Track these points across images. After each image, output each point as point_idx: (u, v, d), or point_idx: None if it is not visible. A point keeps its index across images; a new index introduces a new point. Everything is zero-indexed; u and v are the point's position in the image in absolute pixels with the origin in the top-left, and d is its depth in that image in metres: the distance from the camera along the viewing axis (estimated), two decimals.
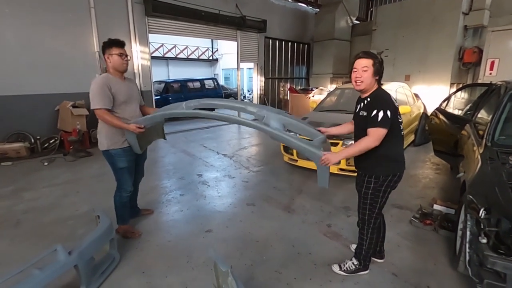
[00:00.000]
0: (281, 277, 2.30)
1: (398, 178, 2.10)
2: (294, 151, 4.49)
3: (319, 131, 2.27)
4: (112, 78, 2.54)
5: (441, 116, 4.32)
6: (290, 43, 11.96)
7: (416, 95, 6.89)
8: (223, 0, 8.96)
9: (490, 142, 2.62)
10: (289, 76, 12.34)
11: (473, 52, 8.15)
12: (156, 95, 9.44)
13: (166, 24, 7.79)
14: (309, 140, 2.20)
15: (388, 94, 2.01)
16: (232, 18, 9.02)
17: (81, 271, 2.00)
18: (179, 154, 5.98)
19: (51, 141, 6.09)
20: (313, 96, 9.27)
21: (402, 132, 2.08)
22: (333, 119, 4.44)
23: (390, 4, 12.16)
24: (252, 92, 12.35)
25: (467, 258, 2.01)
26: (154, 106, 7.97)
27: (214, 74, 22.65)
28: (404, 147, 5.75)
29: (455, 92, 5.35)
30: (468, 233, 2.02)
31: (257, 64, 10.71)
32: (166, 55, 20.05)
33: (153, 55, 14.40)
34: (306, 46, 12.64)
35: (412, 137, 6.21)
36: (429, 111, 6.00)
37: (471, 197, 2.06)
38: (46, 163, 5.19)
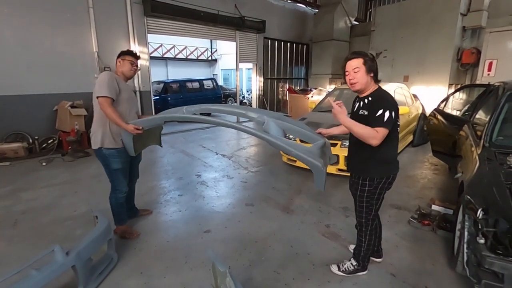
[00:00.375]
0: (280, 277, 2.30)
1: (392, 179, 2.08)
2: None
3: (319, 133, 2.25)
4: (119, 78, 2.64)
5: (439, 117, 4.33)
6: (289, 44, 11.97)
7: (415, 96, 6.91)
8: (222, 1, 8.96)
9: (488, 143, 2.63)
10: (288, 77, 12.35)
11: (471, 53, 8.19)
12: (154, 96, 9.42)
13: (165, 24, 7.79)
14: (309, 144, 2.18)
15: (390, 95, 1.99)
16: (231, 18, 9.03)
17: (78, 271, 2.00)
18: (178, 154, 5.98)
19: (49, 141, 6.07)
20: (312, 96, 9.28)
21: (398, 135, 2.06)
22: (332, 119, 4.42)
23: (389, 5, 12.22)
24: (251, 92, 12.35)
25: (465, 258, 2.02)
26: (153, 107, 7.97)
27: (213, 74, 22.64)
28: (403, 147, 5.79)
29: (453, 93, 5.36)
30: (466, 233, 2.03)
31: (256, 64, 10.71)
32: (165, 55, 20.04)
33: (152, 55, 14.39)
34: (305, 46, 12.66)
35: (410, 138, 6.23)
36: (428, 111, 6.02)
37: (469, 197, 2.06)
38: (44, 163, 5.18)
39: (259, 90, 11.12)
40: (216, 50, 22.74)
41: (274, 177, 4.57)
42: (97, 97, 2.46)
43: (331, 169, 4.11)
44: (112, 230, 2.46)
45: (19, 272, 1.76)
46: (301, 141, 3.17)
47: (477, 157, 2.52)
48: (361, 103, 2.02)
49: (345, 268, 2.32)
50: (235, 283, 1.54)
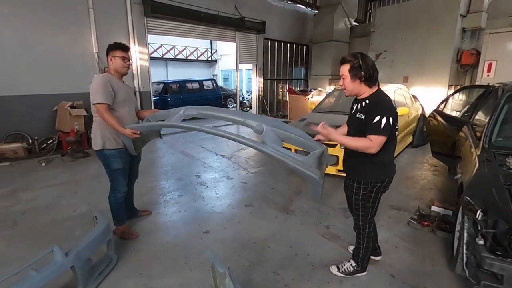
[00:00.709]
0: (279, 278, 2.30)
1: (387, 183, 2.05)
2: (293, 150, 4.49)
3: (318, 140, 2.21)
4: (113, 79, 2.59)
5: (439, 118, 4.34)
6: (289, 45, 11.98)
7: (414, 97, 6.92)
8: (222, 1, 8.97)
9: (488, 144, 2.63)
10: (288, 77, 12.36)
11: (471, 54, 8.20)
12: (154, 96, 9.43)
13: (165, 25, 7.80)
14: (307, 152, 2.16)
15: (389, 98, 1.95)
16: (231, 19, 9.04)
17: (78, 272, 1.99)
18: (177, 155, 5.98)
19: (49, 142, 6.07)
20: (311, 97, 9.28)
21: (396, 139, 2.01)
22: (332, 120, 4.43)
23: (389, 6, 12.25)
24: (251, 93, 12.35)
25: (465, 259, 2.02)
26: (152, 107, 7.97)
27: (213, 75, 22.64)
28: (402, 148, 5.79)
29: (453, 94, 5.37)
30: (465, 234, 2.03)
31: (256, 65, 10.73)
32: (165, 56, 20.04)
33: (152, 55, 14.39)
34: (305, 47, 12.67)
35: (410, 139, 6.23)
36: (427, 112, 6.02)
37: (468, 198, 2.06)
38: (44, 164, 5.17)
39: (259, 90, 11.12)
40: (216, 51, 22.75)
41: (273, 178, 4.56)
42: (93, 104, 2.46)
43: (331, 170, 4.11)
44: (112, 231, 2.46)
45: (18, 272, 1.76)
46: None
47: (476, 158, 2.52)
48: (359, 105, 2.00)
49: (344, 269, 2.32)
50: (234, 284, 1.54)
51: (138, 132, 2.51)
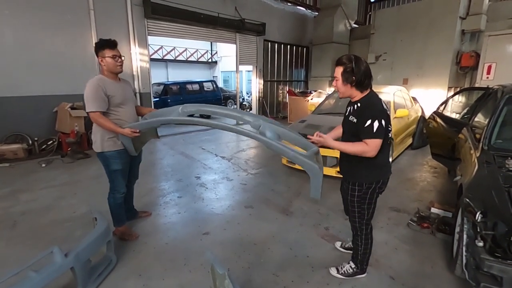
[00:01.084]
0: (279, 280, 2.30)
1: (382, 184, 2.05)
2: None
3: (313, 142, 2.22)
4: (107, 80, 2.51)
5: (438, 120, 4.34)
6: (289, 46, 12.01)
7: (414, 99, 6.93)
8: (222, 3, 9.00)
9: (487, 146, 2.64)
10: (288, 79, 12.38)
11: (470, 56, 8.23)
12: (155, 97, 9.44)
13: (165, 26, 7.82)
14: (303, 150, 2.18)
15: (380, 101, 1.94)
16: (231, 21, 9.06)
17: (77, 273, 1.99)
18: (177, 156, 5.98)
19: (49, 143, 6.07)
20: (311, 99, 9.29)
21: (389, 140, 2.00)
22: (331, 122, 4.45)
23: (389, 8, 12.27)
24: (251, 94, 12.37)
25: (464, 261, 2.01)
26: (153, 108, 7.96)
27: (213, 76, 22.68)
28: (402, 150, 5.79)
29: (452, 96, 5.38)
30: (464, 236, 2.03)
31: (256, 66, 10.74)
32: (165, 57, 20.08)
33: (152, 57, 14.41)
34: (305, 49, 12.70)
35: (410, 141, 6.24)
36: (427, 114, 6.03)
37: (467, 200, 2.07)
38: (43, 165, 5.17)
39: (259, 92, 11.14)
40: (216, 52, 22.80)
41: (273, 179, 4.57)
42: (87, 112, 2.44)
43: (331, 171, 4.12)
44: (111, 232, 2.46)
45: (17, 273, 1.76)
46: None
47: (476, 160, 2.53)
48: (351, 108, 2.02)
49: (344, 271, 2.32)
50: (234, 286, 1.54)
51: (138, 131, 2.49)
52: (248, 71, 15.74)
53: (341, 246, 2.72)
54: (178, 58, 20.83)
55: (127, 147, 2.64)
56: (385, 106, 1.95)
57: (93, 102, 2.39)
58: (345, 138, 2.10)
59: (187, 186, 4.29)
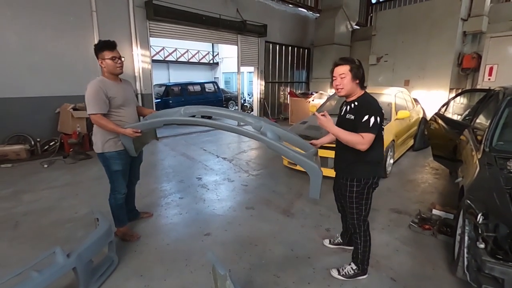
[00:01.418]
0: (280, 281, 2.30)
1: (377, 180, 2.15)
2: None
3: (311, 143, 2.36)
4: (108, 82, 2.51)
5: (440, 121, 4.34)
6: (290, 48, 12.03)
7: (416, 100, 6.92)
8: (224, 5, 9.03)
9: (488, 148, 2.64)
10: (289, 80, 12.39)
11: (472, 57, 8.21)
12: (156, 98, 9.46)
13: (167, 28, 7.85)
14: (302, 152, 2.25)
15: (375, 100, 2.05)
16: (233, 22, 9.09)
17: (79, 273, 2.00)
18: (178, 157, 5.99)
19: (51, 144, 6.09)
20: (313, 100, 9.30)
21: (382, 137, 2.12)
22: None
23: (390, 10, 12.29)
24: (252, 96, 12.38)
25: (465, 263, 2.01)
26: (154, 109, 7.98)
27: (215, 77, 22.69)
28: (404, 152, 5.78)
29: (454, 97, 5.37)
30: (466, 238, 2.03)
31: (258, 68, 10.76)
32: (167, 59, 20.11)
33: (154, 58, 14.47)
34: (306, 50, 12.71)
35: (411, 142, 6.23)
36: (428, 116, 6.02)
37: (469, 202, 2.07)
38: (46, 165, 5.19)
39: (260, 93, 11.15)
40: (217, 54, 22.84)
41: (274, 181, 4.57)
42: (88, 114, 2.46)
43: (331, 172, 4.10)
44: (113, 232, 2.47)
45: (20, 273, 1.77)
46: None
47: (477, 161, 2.52)
48: (348, 107, 2.10)
49: (345, 272, 2.32)
50: (235, 286, 1.55)
51: (139, 131, 2.50)
52: (250, 72, 15.74)
53: (330, 243, 2.75)
54: (179, 60, 20.87)
55: (128, 148, 2.65)
56: (379, 105, 2.05)
57: (94, 105, 2.40)
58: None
59: (188, 187, 4.30)
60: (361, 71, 2.01)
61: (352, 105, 2.07)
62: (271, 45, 11.09)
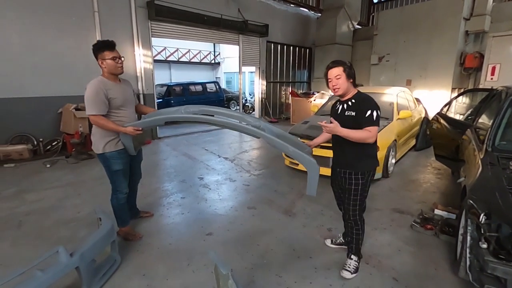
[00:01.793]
0: (281, 280, 2.31)
1: (374, 171, 2.30)
2: None
3: (307, 144, 2.48)
4: (108, 82, 2.50)
5: (442, 121, 4.33)
6: (291, 47, 12.02)
7: (418, 100, 6.90)
8: (226, 5, 9.03)
9: (491, 147, 2.63)
10: (290, 80, 12.38)
11: (474, 57, 8.18)
12: (158, 98, 9.48)
13: (169, 28, 7.86)
14: None
15: (371, 97, 2.19)
16: (234, 22, 9.09)
17: (82, 273, 2.01)
18: (180, 157, 6.00)
19: (53, 144, 6.12)
20: (314, 100, 9.30)
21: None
22: None
23: (392, 9, 12.26)
24: (253, 95, 12.39)
25: (468, 263, 2.01)
26: (156, 109, 8.00)
27: (216, 77, 22.71)
28: (405, 151, 5.77)
29: (456, 97, 5.36)
30: (468, 238, 2.02)
31: (259, 68, 10.76)
32: (168, 59, 20.13)
33: (155, 58, 14.47)
34: (307, 50, 12.70)
35: (413, 142, 6.21)
36: (431, 115, 6.01)
37: (471, 202, 2.06)
38: (48, 165, 5.22)
39: (261, 93, 11.15)
40: (219, 54, 22.84)
41: (276, 180, 4.57)
42: (87, 115, 2.45)
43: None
44: (116, 232, 2.48)
45: (23, 273, 1.78)
46: None
47: (479, 161, 2.52)
48: (345, 105, 2.22)
49: (352, 268, 2.36)
50: (237, 286, 1.55)
51: (140, 129, 2.50)
52: (251, 72, 15.75)
53: (331, 243, 2.77)
54: (181, 59, 20.89)
55: (127, 147, 2.65)
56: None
57: (94, 106, 2.40)
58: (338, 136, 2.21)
59: (190, 187, 4.31)
60: (353, 71, 2.15)
61: (350, 102, 2.19)
62: (272, 45, 11.08)
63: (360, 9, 12.84)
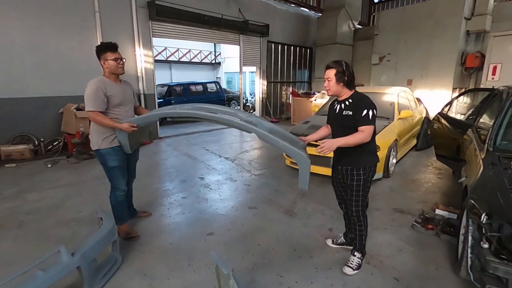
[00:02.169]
0: (283, 280, 2.31)
1: (375, 167, 2.33)
2: None
3: (301, 139, 2.49)
4: (108, 82, 2.58)
5: (443, 121, 4.32)
6: (292, 47, 12.02)
7: (418, 100, 6.89)
8: (226, 5, 9.04)
9: (492, 147, 2.62)
10: (291, 80, 12.38)
11: (475, 57, 8.17)
12: (159, 98, 9.49)
13: (169, 28, 7.86)
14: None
15: (368, 96, 2.24)
16: (235, 22, 9.09)
17: (83, 272, 2.02)
18: (181, 157, 6.01)
19: (54, 143, 6.13)
20: (315, 100, 9.29)
21: (375, 127, 2.29)
22: None
23: (392, 9, 12.24)
24: (254, 95, 12.39)
25: (469, 263, 2.01)
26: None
27: (217, 77, 22.74)
28: (406, 151, 5.77)
29: (457, 97, 5.34)
30: (470, 238, 2.02)
31: (260, 68, 10.76)
32: (169, 59, 20.17)
33: (156, 58, 14.49)
34: (308, 50, 12.70)
35: (414, 142, 6.20)
36: (431, 115, 6.00)
37: (473, 202, 2.06)
38: (49, 165, 5.23)
39: (262, 93, 11.15)
40: (219, 54, 22.86)
41: (277, 180, 4.57)
42: (86, 111, 2.52)
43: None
44: (117, 232, 2.48)
45: (25, 272, 1.79)
46: None
47: (481, 161, 2.51)
48: (343, 105, 2.27)
49: (355, 265, 2.38)
50: (239, 286, 1.56)
51: (135, 125, 2.55)
52: (252, 72, 15.76)
53: (333, 243, 2.78)
54: (182, 60, 20.93)
55: (123, 144, 2.68)
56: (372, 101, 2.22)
57: (93, 102, 2.47)
58: (341, 131, 2.26)
59: (191, 186, 4.31)
60: (345, 75, 2.17)
61: (347, 102, 2.24)
62: (273, 44, 11.08)
63: (360, 9, 12.85)
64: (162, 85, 11.27)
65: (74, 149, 5.82)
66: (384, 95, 5.47)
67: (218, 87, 12.82)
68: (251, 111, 12.55)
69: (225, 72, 23.24)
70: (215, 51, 22.83)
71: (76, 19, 6.26)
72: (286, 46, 11.71)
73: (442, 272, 2.41)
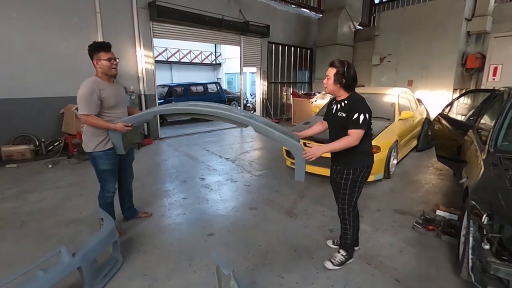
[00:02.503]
0: (283, 281, 2.31)
1: (369, 169, 2.33)
2: None
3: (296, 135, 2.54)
4: (101, 83, 2.54)
5: (444, 122, 4.32)
6: (293, 48, 12.02)
7: (419, 100, 6.89)
8: (227, 6, 9.05)
9: (493, 148, 2.62)
10: (292, 81, 12.39)
11: (476, 57, 8.17)
12: (159, 99, 9.50)
13: (170, 28, 7.88)
14: None
15: (363, 99, 2.23)
16: (236, 23, 9.10)
17: (84, 273, 2.02)
18: (182, 157, 6.01)
19: (55, 144, 6.14)
20: (315, 100, 9.29)
21: (371, 130, 2.34)
22: None
23: (393, 10, 12.24)
24: (255, 96, 12.40)
25: (470, 264, 2.00)
26: None
27: (217, 78, 22.76)
28: (407, 152, 5.76)
29: (458, 98, 5.34)
30: (471, 239, 2.02)
31: (260, 68, 10.77)
32: (169, 59, 20.19)
33: (157, 59, 14.50)
34: (309, 51, 12.71)
35: (414, 143, 6.20)
36: (432, 116, 6.00)
37: (474, 203, 2.05)
38: (50, 166, 5.23)
39: (263, 94, 11.16)
40: (220, 54, 22.89)
41: (277, 181, 4.57)
42: (79, 114, 2.49)
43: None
44: (117, 232, 2.48)
45: (25, 272, 1.79)
46: None
47: (482, 162, 2.51)
48: (339, 105, 2.29)
49: (337, 261, 2.44)
50: (239, 287, 1.55)
51: (130, 125, 2.54)
52: (252, 73, 15.77)
53: (333, 244, 2.79)
54: (182, 60, 20.95)
55: (116, 145, 2.66)
56: (367, 104, 2.24)
57: (86, 106, 2.43)
58: (335, 131, 2.34)
59: (191, 187, 4.31)
60: (344, 77, 2.16)
61: (342, 103, 2.25)
62: (273, 45, 11.09)
63: (361, 10, 12.86)
64: (163, 86, 11.29)
65: (75, 150, 5.82)
66: (385, 96, 5.46)
67: (218, 87, 12.83)
68: (252, 111, 12.56)
69: (225, 73, 23.27)
70: (215, 52, 22.85)
71: (77, 19, 6.27)
72: (286, 47, 11.72)
73: (443, 273, 2.41)
